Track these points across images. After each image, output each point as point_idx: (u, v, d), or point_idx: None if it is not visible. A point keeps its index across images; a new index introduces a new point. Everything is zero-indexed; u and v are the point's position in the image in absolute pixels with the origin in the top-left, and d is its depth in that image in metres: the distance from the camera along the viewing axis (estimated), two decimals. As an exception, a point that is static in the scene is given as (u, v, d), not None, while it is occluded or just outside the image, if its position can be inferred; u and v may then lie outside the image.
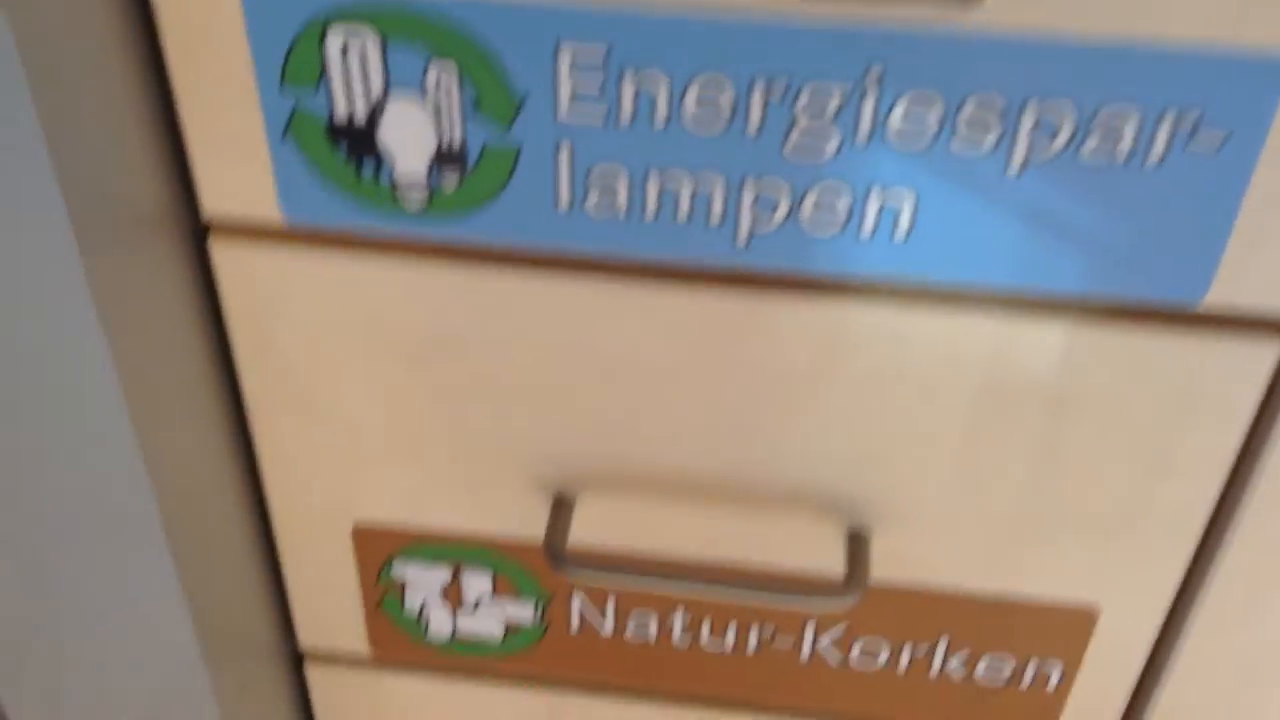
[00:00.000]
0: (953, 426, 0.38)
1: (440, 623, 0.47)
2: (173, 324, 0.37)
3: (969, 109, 0.30)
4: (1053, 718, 0.46)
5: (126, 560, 0.39)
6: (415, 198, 0.34)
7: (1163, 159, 0.31)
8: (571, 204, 0.33)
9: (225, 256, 0.36)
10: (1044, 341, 0.35)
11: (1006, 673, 0.44)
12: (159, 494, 0.37)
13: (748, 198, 0.33)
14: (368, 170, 0.34)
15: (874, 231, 0.33)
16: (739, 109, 0.31)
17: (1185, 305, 0.34)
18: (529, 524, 0.43)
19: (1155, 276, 0.33)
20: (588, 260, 0.36)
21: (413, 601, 0.46)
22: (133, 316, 0.34)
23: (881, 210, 0.33)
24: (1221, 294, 0.33)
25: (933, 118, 0.31)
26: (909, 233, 0.33)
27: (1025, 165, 0.31)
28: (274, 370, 0.39)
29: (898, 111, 0.31)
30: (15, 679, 0.44)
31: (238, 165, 0.34)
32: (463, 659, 0.48)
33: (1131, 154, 0.31)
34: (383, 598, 0.46)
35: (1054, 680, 0.44)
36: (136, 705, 0.44)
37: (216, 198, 0.35)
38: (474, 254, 0.36)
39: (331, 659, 0.49)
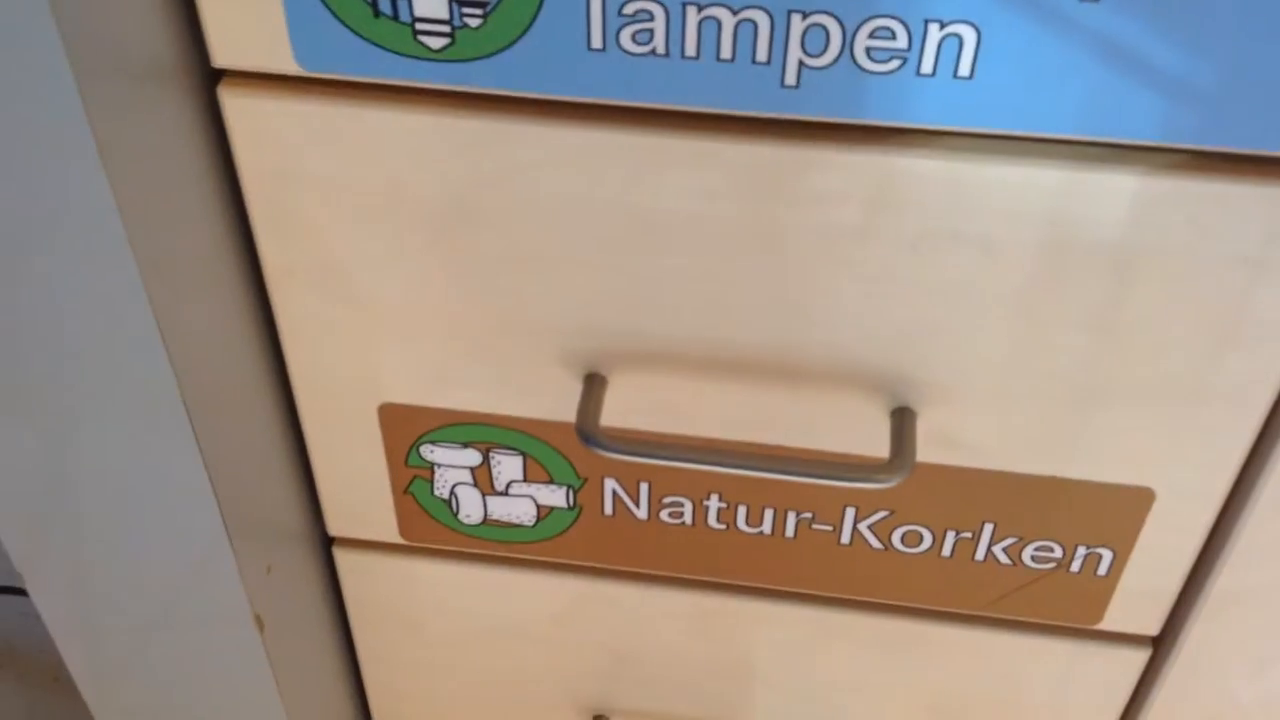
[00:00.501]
0: (1009, 291, 0.35)
1: (470, 506, 0.46)
2: (184, 183, 0.35)
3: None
4: (1102, 604, 0.44)
5: (148, 438, 0.38)
6: (436, 39, 0.32)
7: (1256, -19, 0.28)
8: (604, 42, 0.31)
9: (237, 107, 0.34)
10: (1112, 194, 0.33)
11: (1054, 558, 0.43)
12: (177, 367, 0.36)
13: (795, 31, 0.30)
14: (385, 7, 0.31)
15: (934, 70, 0.31)
16: (788, -72, 0.28)
17: (1264, 152, 0.31)
18: (561, 405, 0.42)
19: (1240, 123, 0.31)
20: (622, 107, 0.33)
21: (442, 485, 0.45)
22: (143, 176, 0.32)
23: (941, 45, 0.30)
24: (1312, 138, 0.31)
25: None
26: (972, 71, 0.30)
27: (1103, -11, 0.29)
28: (292, 237, 0.38)
29: (964, -72, 0.28)
30: (38, 562, 0.43)
31: (248, 6, 0.32)
32: (493, 544, 0.47)
33: (1222, -25, 0.28)
34: (411, 481, 0.45)
35: (1105, 565, 0.43)
36: (159, 587, 0.43)
37: (227, 45, 0.33)
38: (500, 102, 0.34)
39: (360, 543, 0.48)
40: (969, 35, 0.30)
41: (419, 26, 0.32)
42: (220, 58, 0.34)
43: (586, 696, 0.53)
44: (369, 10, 0.32)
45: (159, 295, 0.34)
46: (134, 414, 0.37)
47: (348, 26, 0.32)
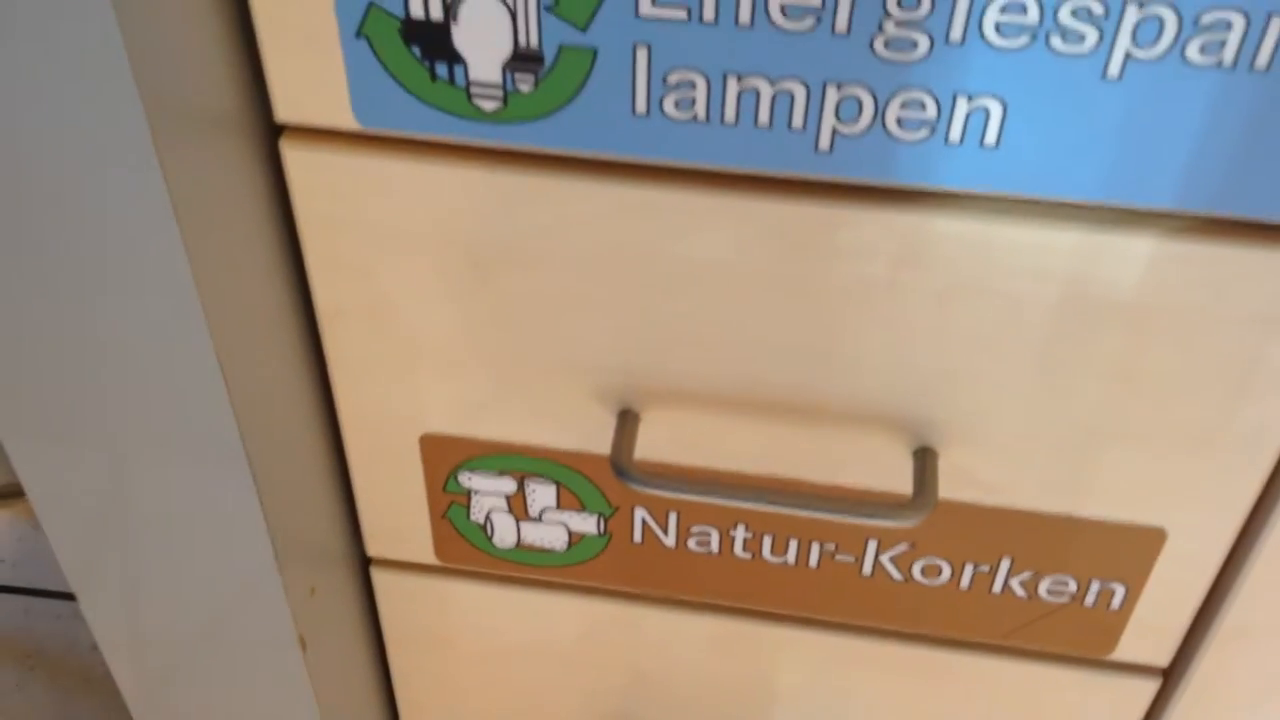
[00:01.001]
0: (1030, 342, 0.37)
1: (505, 532, 0.47)
2: (247, 229, 0.37)
3: (1068, 5, 0.29)
4: (1115, 636, 0.46)
5: (204, 467, 0.40)
6: (489, 102, 0.34)
7: (1270, 64, 0.30)
8: (648, 108, 0.33)
9: (297, 159, 0.36)
10: (1129, 255, 0.34)
11: (1069, 592, 0.44)
12: (235, 402, 0.37)
13: (830, 101, 0.32)
14: (441, 72, 0.33)
15: (962, 139, 0.32)
16: (827, 4, 0.30)
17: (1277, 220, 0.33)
18: (595, 438, 0.43)
19: (1254, 190, 0.32)
20: (663, 167, 0.35)
21: (478, 511, 0.47)
22: (208, 221, 0.34)
23: (969, 116, 0.32)
24: (1322, 206, 0.32)
25: (1031, 14, 0.29)
26: (998, 141, 0.32)
27: (1124, 68, 0.30)
28: (344, 280, 0.40)
29: (994, 6, 0.29)
30: (92, 579, 0.45)
31: (311, 66, 0.34)
32: (525, 567, 0.49)
33: (1237, 58, 0.30)
34: (449, 506, 0.47)
35: (1118, 600, 0.44)
36: (208, 607, 0.45)
37: (289, 100, 0.35)
38: (548, 160, 0.35)
39: (398, 565, 0.50)
40: (995, 108, 0.31)
41: (474, 90, 0.33)
42: (283, 112, 0.35)
43: (610, 713, 0.55)
44: (426, 74, 0.33)
45: (221, 334, 0.36)
46: (193, 445, 0.39)
47: (405, 88, 0.34)
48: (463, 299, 0.39)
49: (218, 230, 0.35)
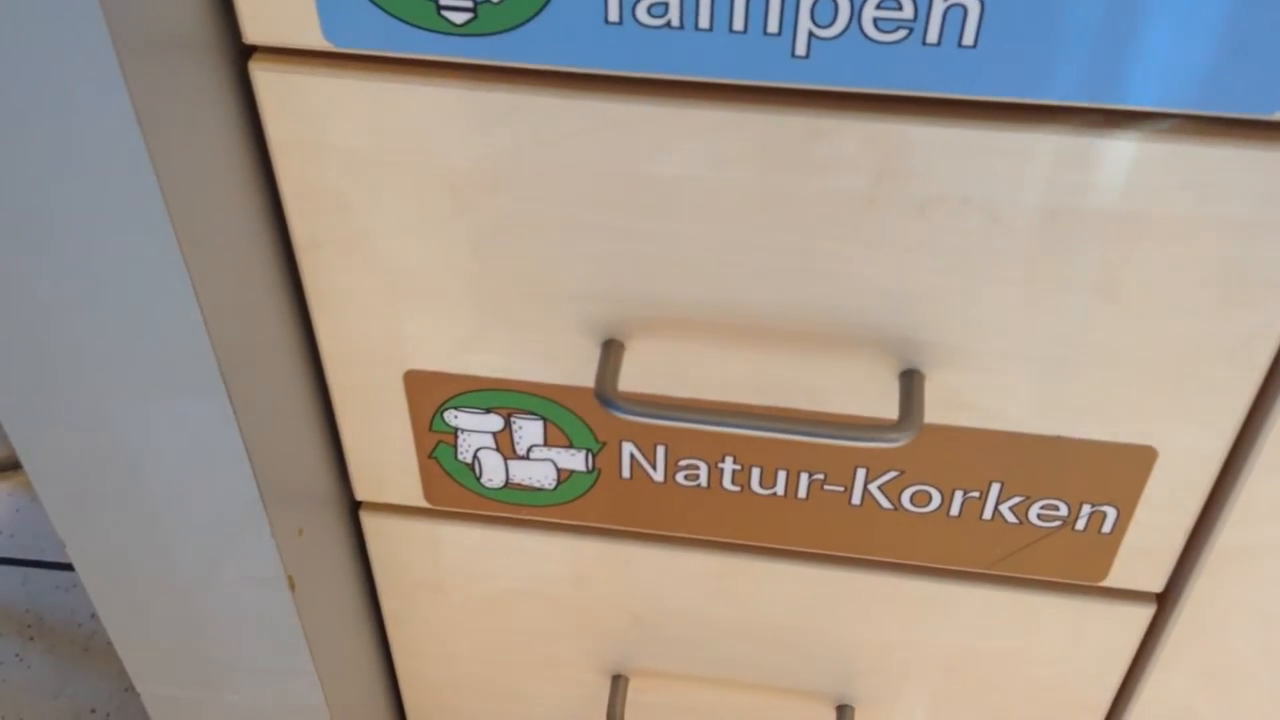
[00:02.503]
0: (1014, 255, 0.37)
1: (493, 470, 0.47)
2: (219, 157, 0.36)
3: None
4: (1107, 561, 0.45)
5: (185, 407, 0.39)
6: (460, 14, 0.33)
7: (1250, -51, 0.29)
8: (621, 16, 0.32)
9: (267, 81, 0.35)
10: (1110, 159, 0.34)
11: (1060, 517, 0.44)
12: (213, 336, 0.37)
13: (806, 3, 0.31)
14: (411, -16, 0.33)
15: (939, 40, 0.32)
16: (798, -98, 0.29)
17: (1261, 116, 0.32)
18: (580, 370, 0.43)
19: (1233, 87, 0.32)
20: (639, 78, 0.34)
21: (465, 450, 0.46)
22: (179, 147, 0.34)
23: (946, 15, 0.31)
24: (1306, 100, 0.32)
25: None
26: (976, 41, 0.32)
27: (1102, -42, 0.30)
28: (320, 209, 0.39)
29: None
30: (79, 527, 0.45)
31: (278, -16, 0.33)
32: (515, 507, 0.48)
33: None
34: (435, 446, 0.47)
35: (1109, 523, 0.44)
36: (197, 549, 0.45)
37: (258, 20, 0.34)
38: (521, 75, 0.35)
39: (387, 509, 0.50)
40: (973, 5, 0.31)
41: (442, 2, 0.33)
42: (251, 33, 0.35)
43: (605, 656, 0.54)
44: (395, -14, 0.33)
45: (196, 263, 0.35)
46: (172, 383, 0.39)
47: (374, 3, 0.33)
48: (441, 228, 0.39)
49: (189, 157, 0.34)
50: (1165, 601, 0.47)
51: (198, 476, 0.42)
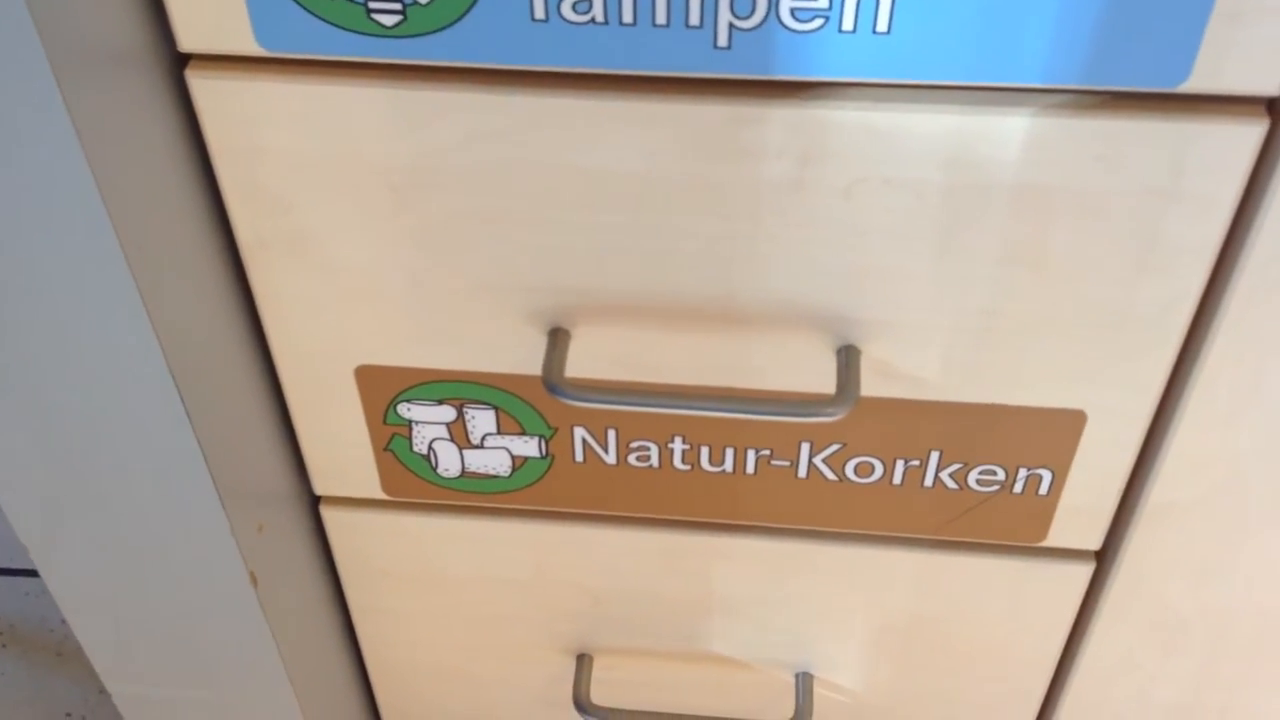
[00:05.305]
0: (937, 232, 0.38)
1: (449, 460, 0.48)
2: (161, 165, 0.37)
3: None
4: (1045, 521, 0.47)
5: (139, 411, 0.40)
6: (389, 16, 0.34)
7: (1143, -68, 0.30)
8: (547, 13, 0.33)
9: (204, 88, 0.36)
10: (1020, 136, 0.35)
11: (998, 481, 0.46)
12: (163, 340, 0.38)
13: (723, -4, 0.32)
14: (339, -11, 0.33)
15: (854, 27, 0.33)
16: (709, -100, 0.30)
17: (1164, 90, 0.34)
18: (528, 359, 0.44)
19: (1139, 62, 0.33)
20: (567, 73, 0.35)
21: (420, 441, 0.47)
22: (120, 157, 0.34)
23: (860, 3, 0.32)
24: (1202, 77, 0.33)
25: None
26: (889, 27, 0.33)
27: (1002, -55, 0.31)
28: (262, 211, 0.40)
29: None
30: (43, 536, 0.45)
31: (208, -8, 0.34)
32: (472, 495, 0.49)
33: (1110, -73, 0.30)
34: (390, 439, 0.47)
35: (1045, 485, 0.46)
36: (159, 550, 0.45)
37: (192, 29, 0.35)
38: (452, 73, 0.36)
39: (346, 502, 0.51)
40: (883, -8, 0.32)
41: (372, 5, 0.34)
42: (186, 42, 0.35)
43: (568, 637, 0.56)
44: (323, -8, 0.33)
45: (141, 271, 0.36)
46: (124, 389, 0.39)
47: (304, 7, 0.34)
48: (382, 224, 0.40)
49: (129, 164, 0.35)
50: (1103, 559, 0.49)
51: (155, 478, 0.42)
